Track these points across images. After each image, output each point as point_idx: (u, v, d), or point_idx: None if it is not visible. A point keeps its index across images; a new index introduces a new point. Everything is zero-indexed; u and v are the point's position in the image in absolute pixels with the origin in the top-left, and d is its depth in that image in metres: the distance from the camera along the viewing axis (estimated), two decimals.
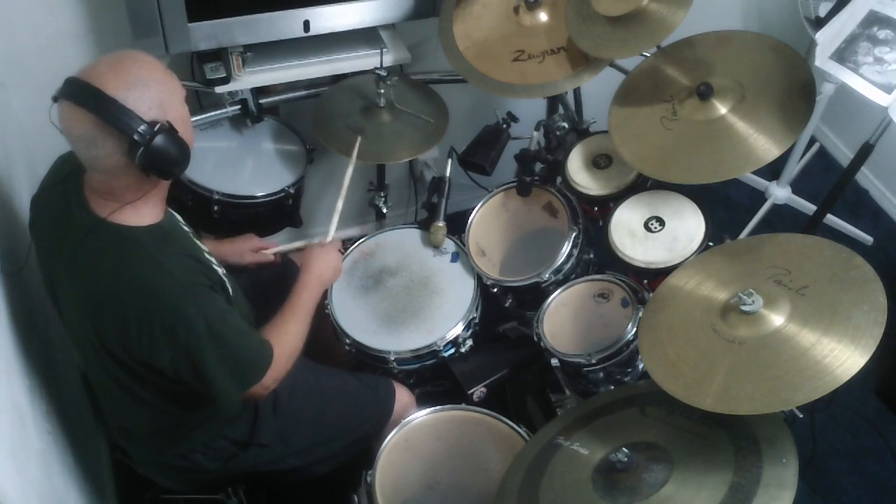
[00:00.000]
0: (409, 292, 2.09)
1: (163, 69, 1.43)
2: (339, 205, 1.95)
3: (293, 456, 1.83)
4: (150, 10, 1.85)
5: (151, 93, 1.38)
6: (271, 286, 1.94)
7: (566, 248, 1.97)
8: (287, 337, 1.66)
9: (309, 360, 1.98)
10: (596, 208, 2.03)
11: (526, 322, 2.15)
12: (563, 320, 1.93)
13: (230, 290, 1.59)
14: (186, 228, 1.63)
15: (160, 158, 1.38)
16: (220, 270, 1.60)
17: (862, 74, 1.82)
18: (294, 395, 1.80)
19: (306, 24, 2.06)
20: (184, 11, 1.89)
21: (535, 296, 2.00)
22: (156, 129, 1.36)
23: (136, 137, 1.34)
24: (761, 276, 1.48)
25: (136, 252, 1.43)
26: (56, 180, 1.56)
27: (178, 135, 1.40)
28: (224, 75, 2.04)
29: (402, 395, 1.96)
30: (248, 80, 2.10)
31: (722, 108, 1.76)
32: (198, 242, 1.62)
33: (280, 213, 2.22)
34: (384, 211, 2.34)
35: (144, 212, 1.47)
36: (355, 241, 2.19)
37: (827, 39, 1.88)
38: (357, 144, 2.04)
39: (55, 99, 1.36)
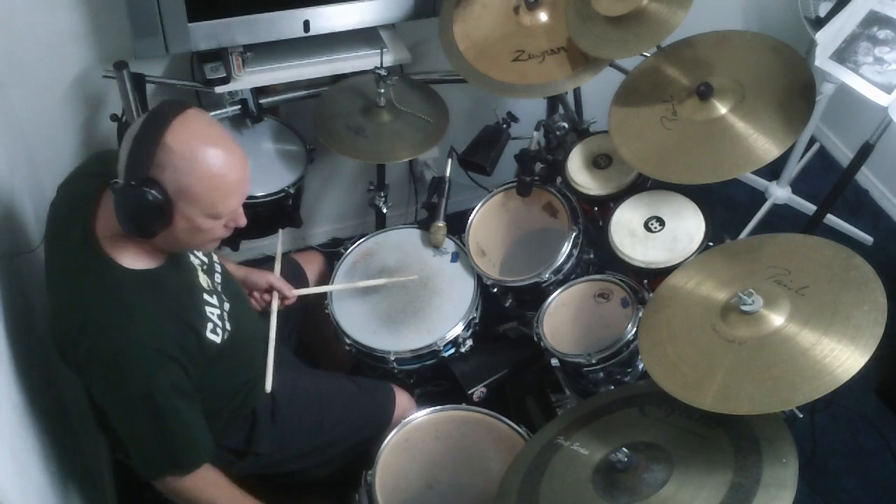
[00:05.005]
0: (408, 292, 2.08)
1: (222, 171, 1.36)
2: (271, 353, 1.75)
3: (290, 462, 1.82)
4: (150, 10, 1.85)
5: (186, 178, 1.32)
6: None
7: (566, 248, 1.97)
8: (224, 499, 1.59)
9: (307, 364, 1.97)
10: (596, 208, 2.03)
11: (526, 322, 2.15)
12: (563, 320, 1.93)
13: (222, 332, 1.52)
14: (198, 260, 1.58)
15: (122, 211, 1.34)
16: (217, 311, 1.53)
17: (862, 74, 1.82)
18: (293, 401, 1.79)
19: (306, 24, 2.05)
20: (184, 11, 1.89)
21: (535, 296, 1.99)
22: (140, 188, 1.30)
23: (121, 180, 1.32)
24: (761, 276, 1.48)
25: (111, 293, 1.39)
26: (84, 172, 1.55)
27: (157, 209, 1.32)
28: (224, 75, 2.04)
29: (402, 399, 1.95)
30: (248, 80, 2.10)
31: (722, 108, 1.76)
32: (200, 282, 1.55)
33: (280, 213, 2.22)
34: (384, 211, 2.34)
35: (140, 253, 1.42)
36: (355, 242, 2.20)
37: (827, 39, 1.88)
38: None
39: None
